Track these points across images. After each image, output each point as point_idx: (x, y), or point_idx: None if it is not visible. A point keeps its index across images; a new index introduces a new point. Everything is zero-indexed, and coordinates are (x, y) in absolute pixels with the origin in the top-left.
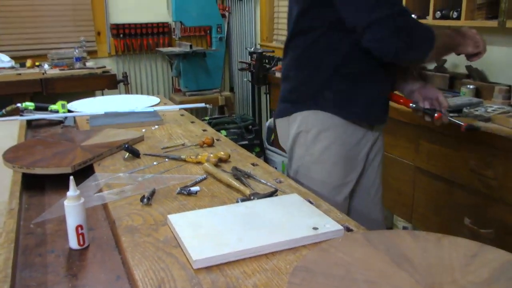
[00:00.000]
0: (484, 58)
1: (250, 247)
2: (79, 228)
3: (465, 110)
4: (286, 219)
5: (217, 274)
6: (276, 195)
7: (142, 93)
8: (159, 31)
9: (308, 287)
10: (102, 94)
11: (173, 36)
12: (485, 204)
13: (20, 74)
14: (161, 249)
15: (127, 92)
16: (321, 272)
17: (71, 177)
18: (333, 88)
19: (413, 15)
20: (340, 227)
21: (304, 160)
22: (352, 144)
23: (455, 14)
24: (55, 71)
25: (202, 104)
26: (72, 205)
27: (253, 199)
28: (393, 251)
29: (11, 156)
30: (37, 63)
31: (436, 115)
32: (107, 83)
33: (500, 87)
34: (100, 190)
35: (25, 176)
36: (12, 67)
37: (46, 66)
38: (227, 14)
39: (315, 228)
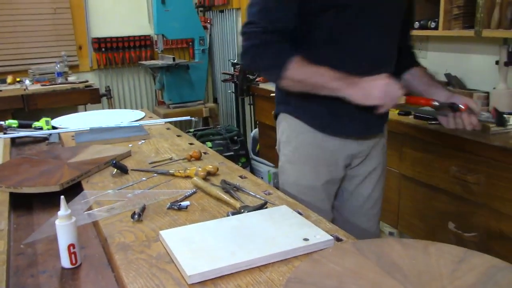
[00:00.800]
0: (462, 66)
1: (243, 261)
2: (71, 247)
3: None
4: (277, 231)
5: None
6: (266, 207)
7: (125, 107)
8: (141, 44)
9: None
10: (85, 109)
11: (156, 49)
12: (468, 209)
13: (0, 90)
14: (154, 265)
15: (111, 106)
16: (313, 283)
17: (62, 197)
18: (294, 95)
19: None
20: (330, 237)
21: (281, 160)
22: (323, 148)
23: (433, 24)
24: (37, 87)
25: (188, 117)
26: (63, 225)
27: (244, 212)
28: (383, 260)
29: None
30: (18, 79)
31: (462, 106)
32: (90, 97)
33: (479, 94)
34: (90, 208)
35: (12, 196)
36: None
37: (27, 81)
38: (208, 26)
39: (305, 239)
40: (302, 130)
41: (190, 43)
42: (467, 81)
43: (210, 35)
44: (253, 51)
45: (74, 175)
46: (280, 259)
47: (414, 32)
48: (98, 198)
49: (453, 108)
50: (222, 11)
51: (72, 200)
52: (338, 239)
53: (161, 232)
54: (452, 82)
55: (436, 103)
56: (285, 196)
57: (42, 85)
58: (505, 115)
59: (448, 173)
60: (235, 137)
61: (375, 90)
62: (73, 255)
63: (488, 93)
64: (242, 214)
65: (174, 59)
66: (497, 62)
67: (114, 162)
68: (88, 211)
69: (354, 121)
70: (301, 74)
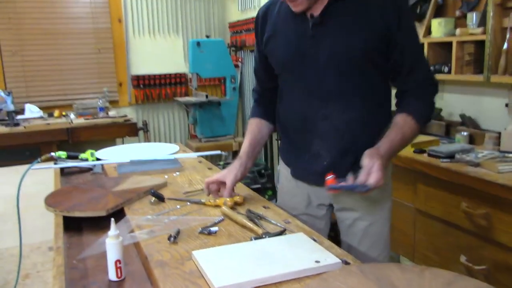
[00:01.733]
0: (476, 107)
1: (262, 277)
2: (118, 263)
3: (457, 156)
4: (292, 254)
5: None
6: (285, 234)
7: (160, 140)
8: (176, 81)
9: None
10: (123, 141)
11: (190, 86)
12: (477, 243)
13: (49, 123)
14: (187, 279)
15: (147, 139)
16: None
17: (112, 219)
18: (282, 144)
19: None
20: (338, 260)
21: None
22: (294, 187)
23: (446, 69)
24: (81, 121)
25: (218, 152)
26: (112, 243)
27: (265, 237)
28: (382, 281)
29: (52, 201)
30: (63, 113)
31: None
32: (128, 131)
33: (490, 134)
34: (132, 231)
35: (65, 219)
36: (40, 117)
37: (72, 115)
38: (240, 64)
39: (317, 262)
40: (282, 168)
41: (222, 81)
42: (480, 122)
43: (241, 73)
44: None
45: (118, 202)
46: (294, 278)
47: None
48: (139, 222)
49: (366, 188)
50: (252, 51)
51: (116, 224)
52: (346, 263)
53: (193, 252)
54: (467, 122)
55: (343, 185)
56: (302, 225)
57: (85, 119)
58: None
59: (459, 208)
60: (262, 171)
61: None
62: (119, 270)
63: (499, 133)
64: (263, 239)
65: (207, 96)
66: (506, 105)
67: (152, 191)
68: (131, 233)
69: (302, 167)
70: (246, 133)
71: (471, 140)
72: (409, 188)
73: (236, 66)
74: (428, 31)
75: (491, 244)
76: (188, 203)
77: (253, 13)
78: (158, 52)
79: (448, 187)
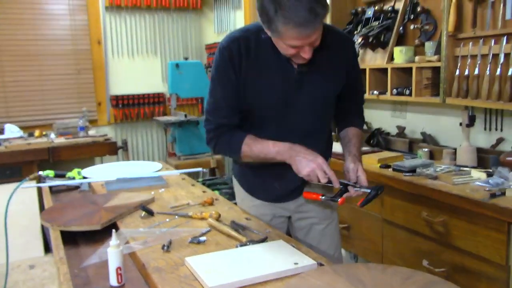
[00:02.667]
0: (435, 126)
1: (249, 277)
2: (118, 269)
3: (418, 170)
4: (274, 258)
5: None
6: (266, 241)
7: (139, 158)
8: (154, 101)
9: None
10: (101, 160)
11: (169, 106)
12: (437, 248)
13: (29, 143)
14: (183, 281)
15: (126, 157)
16: None
17: (114, 230)
18: (237, 164)
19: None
20: (314, 262)
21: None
22: (254, 206)
23: (407, 92)
24: (62, 140)
25: (200, 169)
26: (114, 251)
27: (249, 244)
28: (351, 277)
29: (48, 217)
30: (43, 133)
31: (339, 200)
32: (108, 149)
33: (448, 150)
34: (127, 242)
35: (61, 233)
36: (21, 137)
37: (52, 135)
38: None
39: (295, 263)
40: (238, 190)
41: (199, 100)
42: (439, 139)
43: None
44: (212, 144)
45: (111, 216)
46: (276, 278)
47: (394, 98)
48: (133, 234)
49: (335, 199)
50: None
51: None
52: (320, 264)
53: (186, 258)
54: (427, 140)
55: (323, 198)
56: (281, 233)
57: (66, 139)
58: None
59: (420, 217)
60: None
61: (304, 169)
62: (119, 276)
63: (455, 149)
64: (248, 246)
65: (186, 115)
66: (461, 124)
67: (142, 206)
68: (126, 244)
69: (270, 192)
70: (252, 152)
71: (431, 155)
72: (376, 201)
73: None
74: (391, 58)
75: (449, 248)
76: (176, 217)
77: None
78: (137, 73)
79: (411, 198)
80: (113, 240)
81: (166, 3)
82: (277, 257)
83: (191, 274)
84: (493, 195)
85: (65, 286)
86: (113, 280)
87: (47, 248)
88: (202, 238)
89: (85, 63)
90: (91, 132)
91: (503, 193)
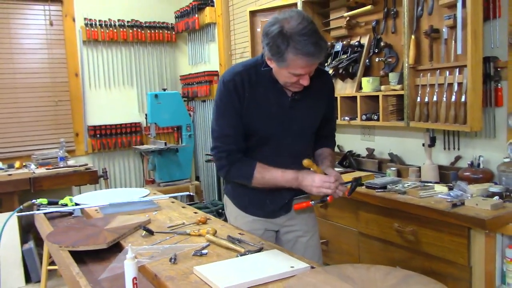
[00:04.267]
0: (401, 147)
1: (254, 279)
2: (134, 279)
3: (388, 186)
4: (272, 263)
5: None
6: (263, 251)
7: (117, 186)
8: (132, 130)
9: None
10: (80, 190)
11: (148, 135)
12: (408, 255)
13: (10, 174)
14: (195, 285)
15: (106, 186)
16: None
17: (130, 245)
18: (230, 184)
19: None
20: (307, 265)
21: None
22: (247, 222)
23: (375, 117)
24: (43, 170)
25: (188, 193)
26: (130, 263)
27: (248, 254)
28: (341, 275)
29: (54, 239)
30: (24, 164)
31: (328, 199)
32: (89, 178)
33: (413, 168)
34: (135, 257)
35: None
36: (1, 169)
37: (32, 166)
38: (191, 113)
39: (292, 267)
40: (232, 208)
41: (176, 129)
42: (405, 159)
43: (193, 120)
44: (224, 171)
45: (115, 236)
46: (277, 279)
47: (363, 123)
48: (139, 251)
49: (323, 200)
50: (204, 101)
51: (119, 254)
52: (312, 267)
53: (195, 267)
54: (394, 160)
55: (313, 203)
56: (274, 245)
57: (47, 169)
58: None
59: (392, 228)
60: (220, 210)
61: (312, 188)
62: (135, 285)
63: (420, 167)
64: (247, 255)
65: (166, 143)
66: (423, 144)
67: (143, 226)
68: (136, 259)
69: (263, 209)
70: (264, 179)
71: (399, 173)
72: (352, 216)
73: (189, 115)
74: (360, 87)
75: (419, 254)
76: (175, 235)
77: (202, 67)
78: (114, 103)
79: (383, 212)
80: (129, 254)
81: (142, 36)
82: (274, 263)
83: (201, 280)
84: (454, 205)
85: None
86: None
87: (28, 278)
88: (204, 251)
89: (63, 95)
90: (70, 162)
91: (463, 203)
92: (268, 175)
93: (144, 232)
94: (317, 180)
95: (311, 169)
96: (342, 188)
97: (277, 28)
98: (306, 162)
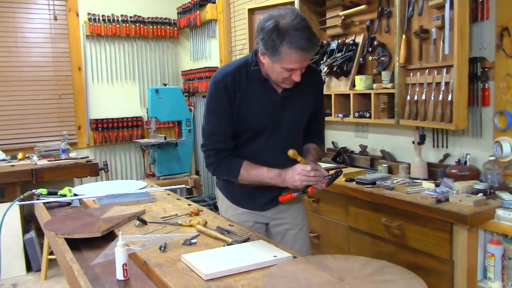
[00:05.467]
0: (392, 144)
1: (237, 267)
2: (124, 265)
3: (377, 182)
4: (256, 252)
5: (219, 282)
6: (249, 241)
7: (118, 179)
8: (133, 124)
9: (272, 283)
10: (81, 182)
11: (148, 129)
12: (395, 249)
13: (13, 165)
14: (181, 272)
15: (107, 178)
16: (279, 276)
17: (120, 232)
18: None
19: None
20: (290, 255)
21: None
22: (239, 214)
23: (367, 114)
24: (45, 162)
25: (184, 185)
26: (121, 250)
27: (234, 243)
28: (321, 265)
29: (52, 227)
30: (26, 155)
31: (308, 190)
32: (90, 171)
33: (403, 165)
34: (127, 245)
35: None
36: (3, 160)
37: (35, 157)
38: (192, 108)
39: (274, 256)
40: (223, 200)
41: (176, 123)
42: (396, 155)
43: (193, 116)
44: (212, 168)
45: (110, 225)
46: (259, 267)
47: (356, 120)
48: (131, 239)
49: (305, 191)
50: (204, 96)
51: (112, 242)
52: (295, 257)
53: (182, 255)
54: (386, 156)
55: (296, 194)
56: (261, 236)
57: (49, 161)
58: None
59: (380, 223)
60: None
61: (296, 183)
62: (125, 271)
63: (409, 164)
64: (234, 245)
65: (165, 138)
66: (413, 142)
67: (137, 216)
68: (127, 247)
69: (253, 201)
70: (249, 176)
71: (390, 170)
72: (342, 210)
73: (189, 110)
74: (353, 85)
75: (405, 249)
76: (167, 225)
77: (203, 63)
78: (116, 98)
79: (372, 207)
80: (120, 241)
81: (144, 32)
82: (259, 252)
83: (188, 267)
84: (438, 201)
85: (81, 279)
86: (119, 275)
87: (29, 267)
88: (193, 241)
89: (66, 89)
90: (72, 154)
91: (447, 199)
92: (253, 172)
93: (138, 222)
94: (297, 169)
95: (297, 159)
96: (319, 179)
97: (272, 23)
98: (291, 152)
